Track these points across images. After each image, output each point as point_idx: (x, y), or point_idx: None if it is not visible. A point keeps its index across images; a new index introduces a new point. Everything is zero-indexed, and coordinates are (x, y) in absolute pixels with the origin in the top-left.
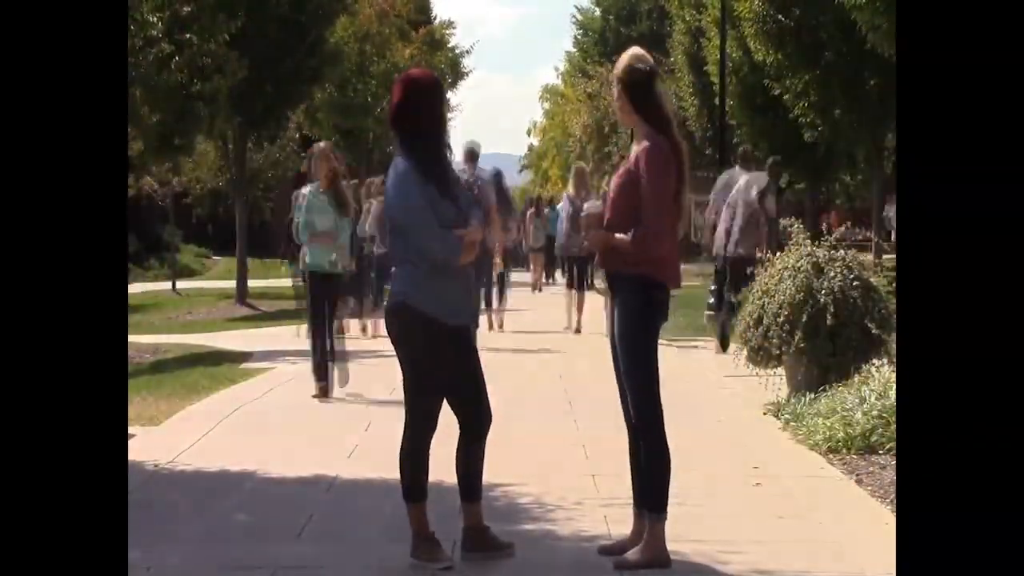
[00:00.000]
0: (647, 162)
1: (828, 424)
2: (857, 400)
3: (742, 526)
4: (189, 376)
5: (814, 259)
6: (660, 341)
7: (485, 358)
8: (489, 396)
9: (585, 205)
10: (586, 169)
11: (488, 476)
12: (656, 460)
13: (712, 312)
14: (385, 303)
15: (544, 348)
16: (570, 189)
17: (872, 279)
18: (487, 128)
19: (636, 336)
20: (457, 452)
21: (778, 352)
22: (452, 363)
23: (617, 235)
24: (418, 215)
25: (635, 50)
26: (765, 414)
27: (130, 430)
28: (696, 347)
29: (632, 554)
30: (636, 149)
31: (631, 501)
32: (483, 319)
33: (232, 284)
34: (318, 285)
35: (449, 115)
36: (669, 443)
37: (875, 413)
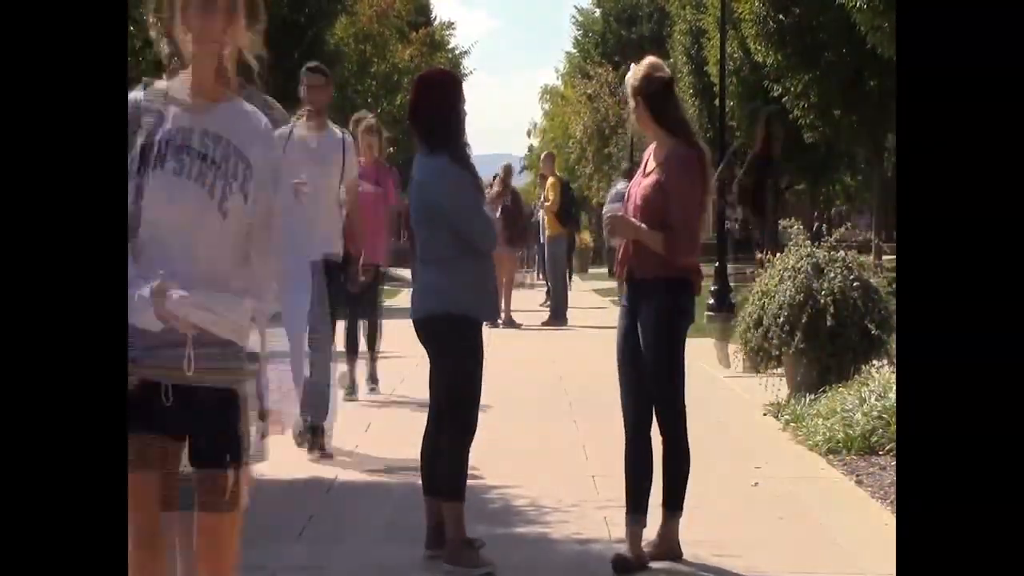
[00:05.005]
0: (678, 175)
1: (828, 425)
2: (857, 401)
3: (742, 527)
4: None
5: (814, 260)
6: None
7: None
8: (488, 397)
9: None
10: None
11: (487, 477)
12: (678, 459)
13: (712, 312)
14: (416, 313)
15: (544, 348)
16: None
17: (872, 280)
18: (486, 128)
19: (667, 340)
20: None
21: (778, 353)
22: (474, 357)
23: (644, 226)
24: (471, 198)
25: (650, 59)
26: (765, 415)
27: None
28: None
29: (648, 545)
30: (659, 158)
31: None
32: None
33: None
34: None
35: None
36: None
37: (875, 414)
